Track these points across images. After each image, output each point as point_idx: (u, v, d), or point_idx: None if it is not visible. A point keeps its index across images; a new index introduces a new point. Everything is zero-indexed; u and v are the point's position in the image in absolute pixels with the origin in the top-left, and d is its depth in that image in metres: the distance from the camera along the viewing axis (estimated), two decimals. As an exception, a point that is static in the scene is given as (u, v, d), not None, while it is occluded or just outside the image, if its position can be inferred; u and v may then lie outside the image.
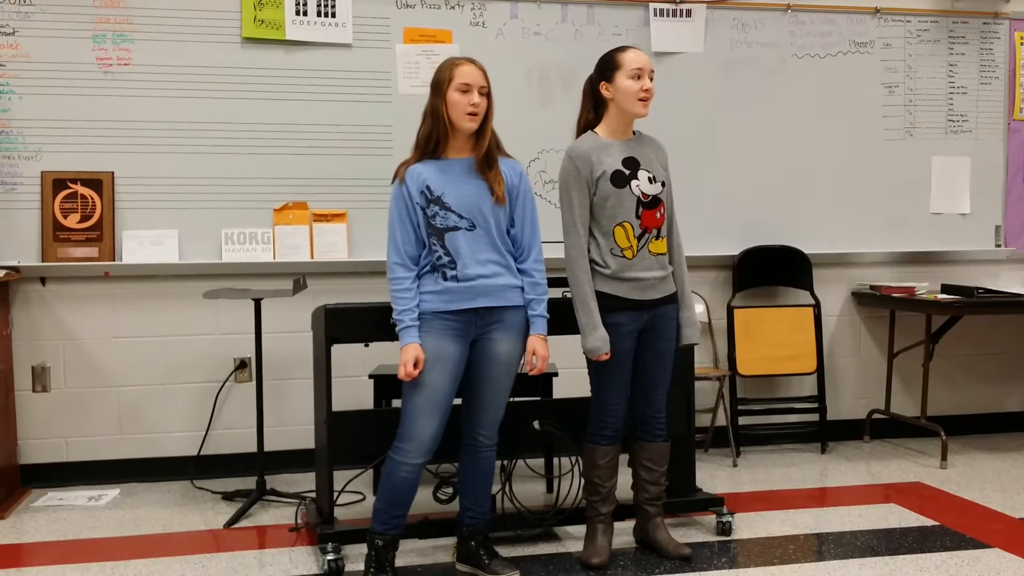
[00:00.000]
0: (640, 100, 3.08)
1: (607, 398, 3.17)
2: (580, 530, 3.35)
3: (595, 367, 3.15)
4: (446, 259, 2.93)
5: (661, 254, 3.15)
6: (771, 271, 4.77)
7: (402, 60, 4.34)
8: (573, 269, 3.10)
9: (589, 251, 3.11)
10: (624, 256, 3.09)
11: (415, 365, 2.87)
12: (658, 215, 3.12)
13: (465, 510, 3.13)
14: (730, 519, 3.49)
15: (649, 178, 3.11)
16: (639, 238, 3.09)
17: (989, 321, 5.05)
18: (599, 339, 3.05)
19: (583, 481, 3.29)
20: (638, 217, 3.09)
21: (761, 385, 4.83)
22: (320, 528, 3.27)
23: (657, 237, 3.13)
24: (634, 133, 3.21)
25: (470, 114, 2.90)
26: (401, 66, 4.34)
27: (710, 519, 3.57)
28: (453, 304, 2.92)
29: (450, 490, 3.37)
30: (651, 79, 3.09)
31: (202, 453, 4.25)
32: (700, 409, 4.47)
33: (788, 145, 4.78)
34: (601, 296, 3.10)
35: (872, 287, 4.83)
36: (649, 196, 3.10)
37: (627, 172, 3.09)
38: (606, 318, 3.09)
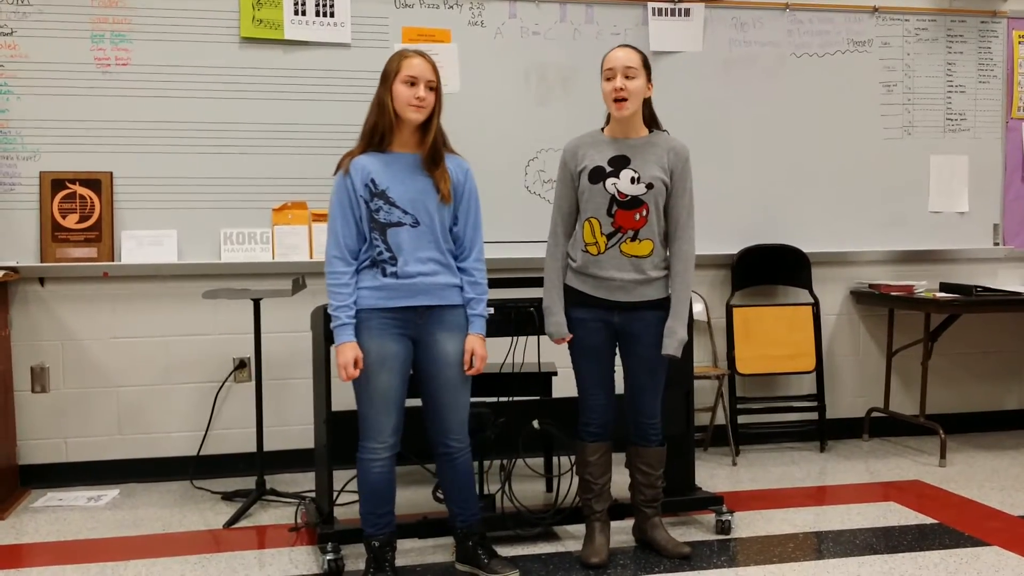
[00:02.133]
0: (614, 101, 3.05)
1: (586, 392, 3.20)
2: (580, 529, 3.35)
3: (573, 362, 3.19)
4: (387, 255, 2.88)
5: (638, 256, 3.09)
6: (770, 270, 4.77)
7: (401, 60, 4.34)
8: (546, 256, 3.19)
9: (568, 243, 3.17)
10: (588, 252, 3.09)
11: (355, 365, 2.84)
12: (637, 216, 3.06)
13: (455, 515, 3.10)
14: (729, 518, 3.49)
15: (632, 178, 3.07)
16: (609, 236, 3.07)
17: (987, 319, 5.05)
18: (553, 324, 3.16)
19: (577, 479, 3.30)
20: (610, 215, 3.06)
21: (760, 384, 4.84)
22: (320, 528, 3.26)
23: (635, 239, 3.07)
24: (651, 131, 3.16)
25: (415, 106, 2.87)
26: (400, 66, 4.34)
27: (709, 518, 3.57)
28: (391, 301, 2.88)
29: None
30: (629, 76, 3.03)
31: (201, 453, 4.25)
32: (699, 408, 4.47)
33: (787, 144, 4.78)
34: (568, 290, 3.15)
35: (871, 286, 4.84)
36: (627, 196, 3.06)
37: (608, 169, 3.07)
38: (571, 312, 3.14)
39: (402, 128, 2.92)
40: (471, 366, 2.96)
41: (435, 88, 2.90)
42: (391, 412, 2.90)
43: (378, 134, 2.91)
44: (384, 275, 2.88)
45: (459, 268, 2.98)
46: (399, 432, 2.93)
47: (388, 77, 2.90)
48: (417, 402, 3.03)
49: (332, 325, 2.88)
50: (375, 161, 2.91)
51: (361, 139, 2.96)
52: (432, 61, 2.93)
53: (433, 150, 2.92)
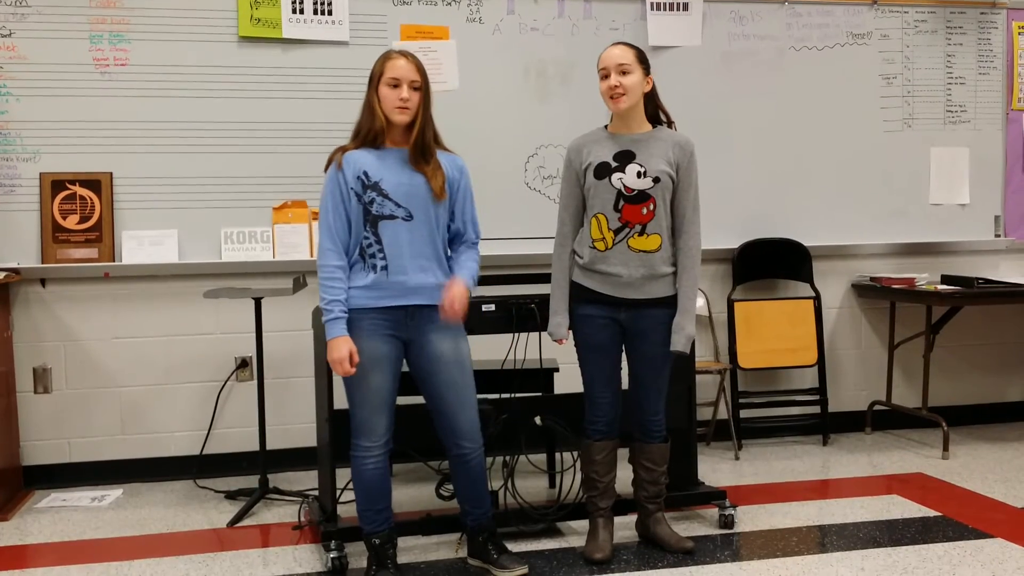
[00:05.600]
0: (611, 98, 3.07)
1: (592, 390, 3.19)
2: (583, 525, 3.35)
3: (580, 359, 3.18)
4: (376, 247, 2.87)
5: (646, 251, 3.08)
6: (771, 264, 4.77)
7: (399, 57, 4.34)
8: (553, 256, 3.18)
9: (575, 240, 3.15)
10: (596, 248, 3.09)
11: (351, 361, 2.81)
12: (644, 211, 3.06)
13: (466, 513, 3.11)
14: (732, 512, 3.49)
15: (638, 172, 3.06)
16: (616, 232, 3.07)
17: (989, 311, 5.05)
18: (555, 324, 3.15)
19: (582, 476, 3.29)
20: (617, 210, 3.06)
21: (762, 378, 4.83)
22: (323, 526, 3.27)
23: (642, 233, 3.07)
24: (655, 126, 3.16)
25: (400, 108, 2.87)
26: (398, 63, 4.33)
27: (712, 512, 3.57)
28: (382, 301, 2.87)
29: (452, 486, 3.37)
30: (623, 72, 3.04)
31: (204, 452, 4.26)
32: (701, 403, 4.47)
33: (787, 138, 4.77)
34: (575, 286, 3.14)
35: (872, 279, 4.83)
36: (634, 191, 3.06)
37: (614, 165, 3.07)
38: (579, 308, 3.13)
39: (392, 128, 2.91)
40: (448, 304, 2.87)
41: (419, 88, 2.89)
42: (383, 412, 2.90)
43: (371, 135, 2.91)
44: (375, 272, 2.87)
45: (459, 242, 3.00)
46: (391, 430, 2.93)
47: (374, 79, 2.91)
48: (409, 400, 3.04)
49: (324, 319, 2.85)
50: (368, 155, 2.91)
51: (353, 137, 2.96)
52: (416, 61, 2.91)
53: (420, 146, 2.90)
